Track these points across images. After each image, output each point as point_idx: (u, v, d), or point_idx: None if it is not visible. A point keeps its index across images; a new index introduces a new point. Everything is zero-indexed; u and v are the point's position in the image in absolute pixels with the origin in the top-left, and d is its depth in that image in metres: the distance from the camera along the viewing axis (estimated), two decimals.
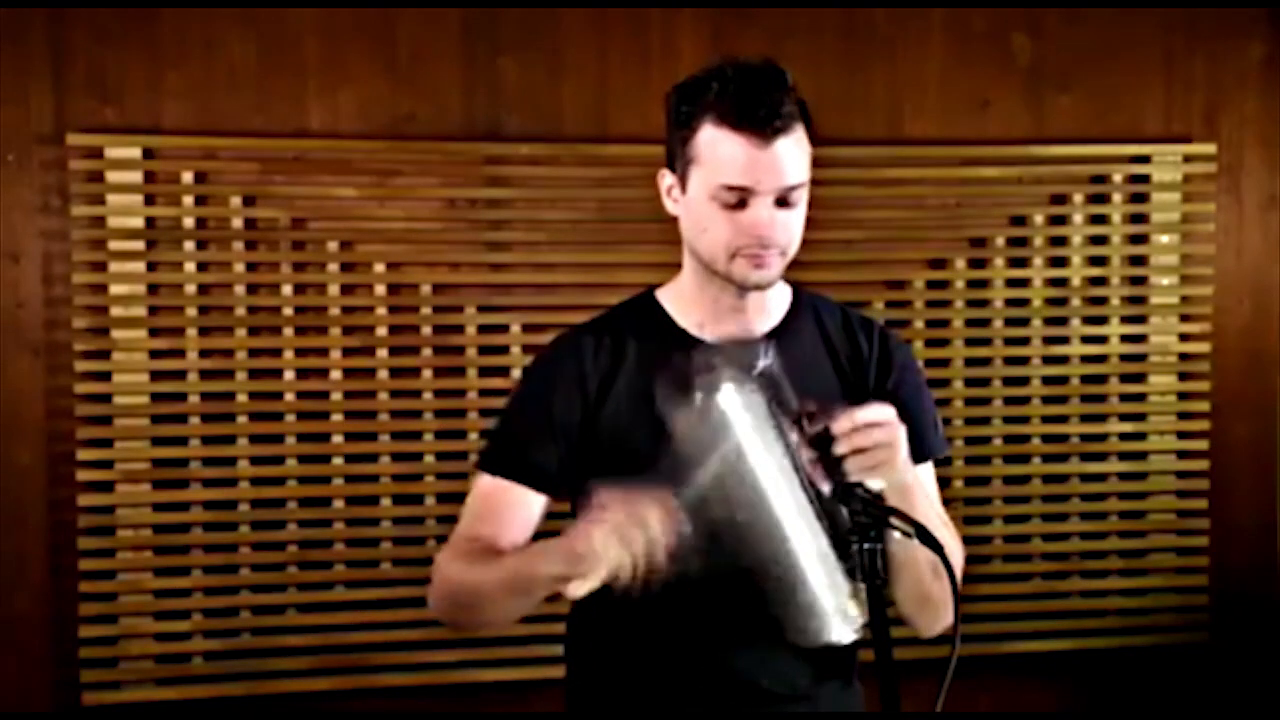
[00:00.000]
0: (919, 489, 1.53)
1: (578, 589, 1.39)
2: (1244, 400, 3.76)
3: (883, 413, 1.44)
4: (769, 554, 1.44)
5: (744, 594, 1.49)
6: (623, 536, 1.36)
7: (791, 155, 1.56)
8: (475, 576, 1.59)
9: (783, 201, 1.57)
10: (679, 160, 1.61)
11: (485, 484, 1.68)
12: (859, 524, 1.40)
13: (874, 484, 1.44)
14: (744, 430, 1.41)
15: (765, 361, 1.43)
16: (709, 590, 1.54)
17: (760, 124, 1.53)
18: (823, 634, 1.47)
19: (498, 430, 1.72)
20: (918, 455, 1.60)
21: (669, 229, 1.69)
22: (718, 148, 1.55)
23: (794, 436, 1.42)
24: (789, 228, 1.59)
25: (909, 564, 1.54)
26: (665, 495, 1.38)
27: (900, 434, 1.45)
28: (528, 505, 1.65)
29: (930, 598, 1.58)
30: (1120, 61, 3.68)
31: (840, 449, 1.41)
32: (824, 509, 1.44)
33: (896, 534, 1.40)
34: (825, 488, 1.43)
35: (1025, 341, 3.62)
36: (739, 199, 1.55)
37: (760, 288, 1.62)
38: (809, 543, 1.44)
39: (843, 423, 1.42)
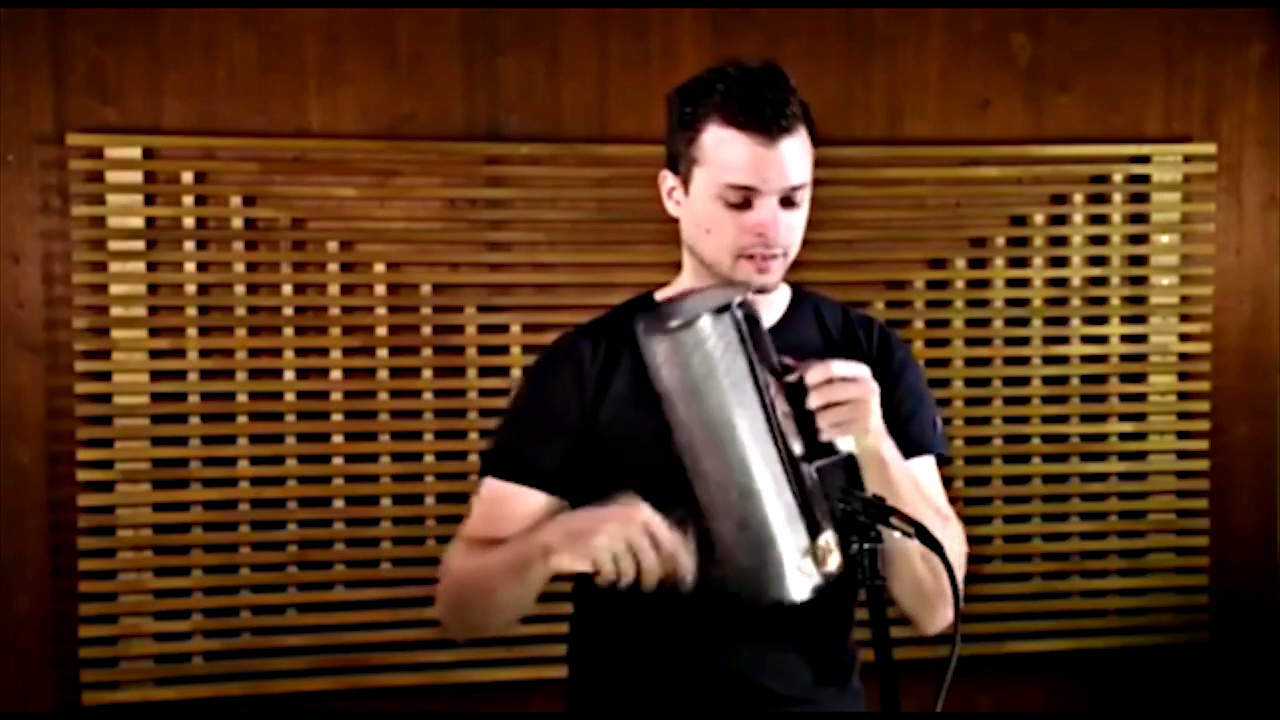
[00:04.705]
0: (899, 468, 1.53)
1: (560, 561, 1.43)
2: (1244, 400, 3.76)
3: (857, 369, 1.45)
4: (730, 493, 1.43)
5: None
6: (628, 537, 1.39)
7: (796, 155, 1.56)
8: (477, 563, 1.59)
9: (787, 201, 1.57)
10: (682, 161, 1.61)
11: (491, 488, 1.67)
12: (859, 523, 1.40)
13: (844, 444, 1.43)
14: (719, 361, 1.40)
15: (744, 296, 1.43)
16: (709, 588, 1.53)
17: (766, 123, 1.53)
18: (776, 589, 1.45)
19: (499, 433, 1.72)
20: (916, 451, 1.62)
21: (669, 229, 1.69)
22: (722, 147, 1.55)
23: (770, 384, 1.42)
24: (792, 229, 1.59)
25: (902, 555, 1.54)
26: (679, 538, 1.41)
27: (873, 394, 1.46)
28: (534, 506, 1.64)
29: (926, 590, 1.58)
30: (1120, 61, 3.68)
31: (812, 402, 1.42)
32: (794, 463, 1.43)
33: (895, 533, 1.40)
34: (797, 446, 1.43)
35: (1025, 341, 3.62)
36: (744, 198, 1.55)
37: (763, 291, 1.61)
38: (771, 489, 1.43)
39: (816, 373, 1.43)
